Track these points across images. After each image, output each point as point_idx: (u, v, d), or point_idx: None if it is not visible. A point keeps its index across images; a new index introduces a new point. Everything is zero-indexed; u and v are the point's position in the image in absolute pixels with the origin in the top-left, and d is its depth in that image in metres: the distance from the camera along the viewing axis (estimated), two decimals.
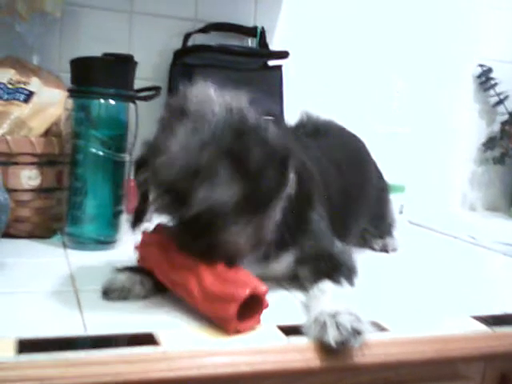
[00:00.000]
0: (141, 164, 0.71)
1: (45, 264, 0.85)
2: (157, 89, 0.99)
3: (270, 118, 1.13)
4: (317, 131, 0.92)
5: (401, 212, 1.30)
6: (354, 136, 1.04)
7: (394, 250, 1.08)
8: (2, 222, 0.79)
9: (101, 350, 0.60)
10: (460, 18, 1.50)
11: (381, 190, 1.08)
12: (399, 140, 1.48)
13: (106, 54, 0.96)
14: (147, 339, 0.62)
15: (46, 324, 0.64)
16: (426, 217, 1.38)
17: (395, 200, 1.20)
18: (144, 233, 0.76)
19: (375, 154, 1.10)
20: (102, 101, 0.90)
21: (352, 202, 0.90)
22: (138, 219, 0.74)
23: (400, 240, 1.10)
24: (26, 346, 0.58)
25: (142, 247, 0.76)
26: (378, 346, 0.68)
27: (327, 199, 0.79)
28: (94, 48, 1.00)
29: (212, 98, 0.69)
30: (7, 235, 0.89)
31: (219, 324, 0.65)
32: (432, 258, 1.09)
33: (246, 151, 0.65)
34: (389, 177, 1.17)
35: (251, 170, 0.65)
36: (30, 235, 0.96)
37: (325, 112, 1.34)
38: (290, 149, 0.69)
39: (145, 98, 0.97)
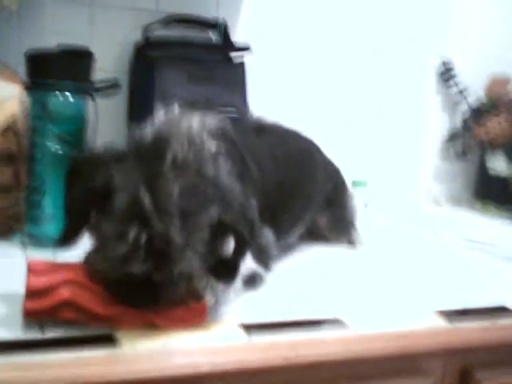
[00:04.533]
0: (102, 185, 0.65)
1: (2, 265, 0.83)
2: (116, 85, 0.97)
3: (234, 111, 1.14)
4: (260, 128, 0.92)
5: (365, 206, 1.31)
6: (300, 136, 1.03)
7: (360, 244, 1.08)
8: None
9: (59, 352, 0.58)
10: (422, 12, 1.51)
11: (334, 190, 1.08)
12: (362, 135, 1.48)
13: (60, 46, 0.93)
14: (106, 340, 0.61)
15: (2, 326, 0.63)
16: (391, 211, 1.39)
17: (358, 195, 1.21)
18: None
19: (338, 151, 1.10)
20: (59, 95, 0.88)
21: (288, 198, 0.91)
22: (68, 239, 0.69)
23: (364, 235, 1.11)
24: None
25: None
26: (339, 342, 0.68)
27: (262, 193, 0.79)
28: (53, 41, 0.98)
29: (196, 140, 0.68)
30: None
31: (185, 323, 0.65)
32: (396, 254, 1.09)
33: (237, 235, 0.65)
34: (352, 172, 1.18)
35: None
36: None
37: (288, 106, 1.34)
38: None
39: (103, 92, 0.95)
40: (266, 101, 1.28)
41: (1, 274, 0.79)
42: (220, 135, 0.72)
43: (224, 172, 0.68)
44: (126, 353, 0.60)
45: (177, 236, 0.61)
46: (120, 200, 0.63)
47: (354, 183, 1.24)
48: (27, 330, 0.62)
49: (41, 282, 0.64)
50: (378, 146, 1.50)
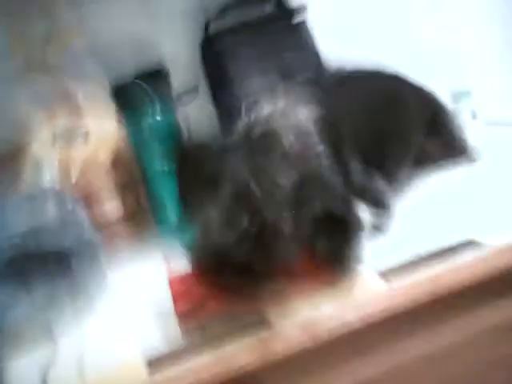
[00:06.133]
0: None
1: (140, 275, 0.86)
2: (195, 90, 1.01)
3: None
4: (342, 82, 0.91)
5: (474, 117, 1.26)
6: (384, 75, 1.00)
7: (474, 160, 1.05)
8: (71, 237, 0.81)
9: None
10: None
11: (435, 115, 1.03)
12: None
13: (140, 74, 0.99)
14: (256, 324, 0.64)
15: (165, 339, 0.67)
16: (500, 120, 1.31)
17: (464, 107, 1.17)
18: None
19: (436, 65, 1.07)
20: (149, 118, 0.95)
21: (389, 143, 0.90)
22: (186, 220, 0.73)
23: (476, 150, 1.06)
24: (156, 365, 0.62)
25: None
26: (478, 263, 0.68)
27: (361, 150, 0.79)
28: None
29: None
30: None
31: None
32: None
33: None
34: (454, 84, 1.13)
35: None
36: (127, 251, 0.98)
37: (365, 41, 1.29)
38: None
39: (186, 100, 1.00)
40: (342, 44, 1.26)
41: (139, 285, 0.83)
42: (319, 120, 0.74)
43: (326, 162, 0.70)
44: (279, 330, 0.63)
45: (286, 228, 0.63)
46: (230, 189, 0.65)
47: (457, 95, 1.20)
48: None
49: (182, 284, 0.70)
50: (478, 51, 1.42)
